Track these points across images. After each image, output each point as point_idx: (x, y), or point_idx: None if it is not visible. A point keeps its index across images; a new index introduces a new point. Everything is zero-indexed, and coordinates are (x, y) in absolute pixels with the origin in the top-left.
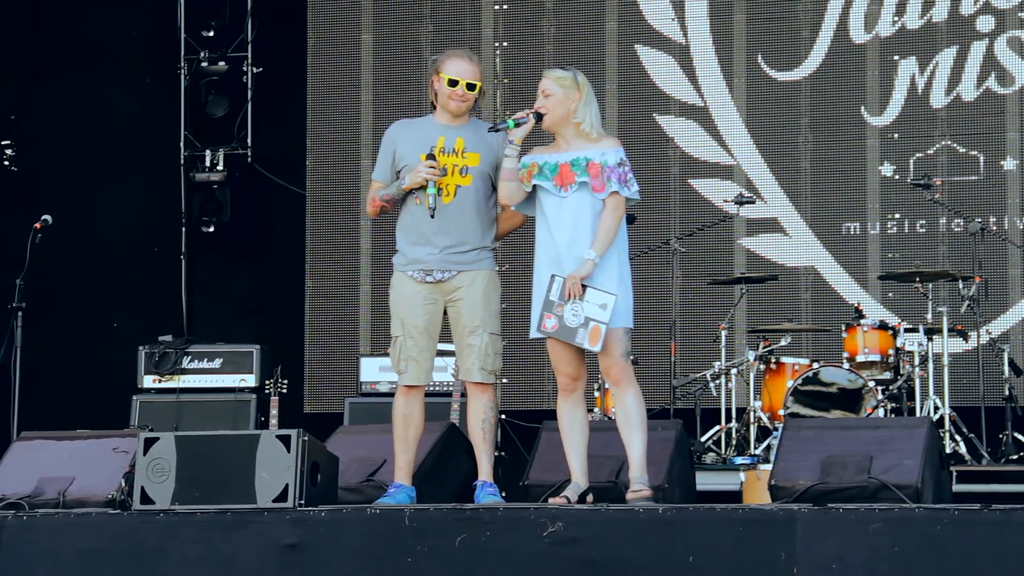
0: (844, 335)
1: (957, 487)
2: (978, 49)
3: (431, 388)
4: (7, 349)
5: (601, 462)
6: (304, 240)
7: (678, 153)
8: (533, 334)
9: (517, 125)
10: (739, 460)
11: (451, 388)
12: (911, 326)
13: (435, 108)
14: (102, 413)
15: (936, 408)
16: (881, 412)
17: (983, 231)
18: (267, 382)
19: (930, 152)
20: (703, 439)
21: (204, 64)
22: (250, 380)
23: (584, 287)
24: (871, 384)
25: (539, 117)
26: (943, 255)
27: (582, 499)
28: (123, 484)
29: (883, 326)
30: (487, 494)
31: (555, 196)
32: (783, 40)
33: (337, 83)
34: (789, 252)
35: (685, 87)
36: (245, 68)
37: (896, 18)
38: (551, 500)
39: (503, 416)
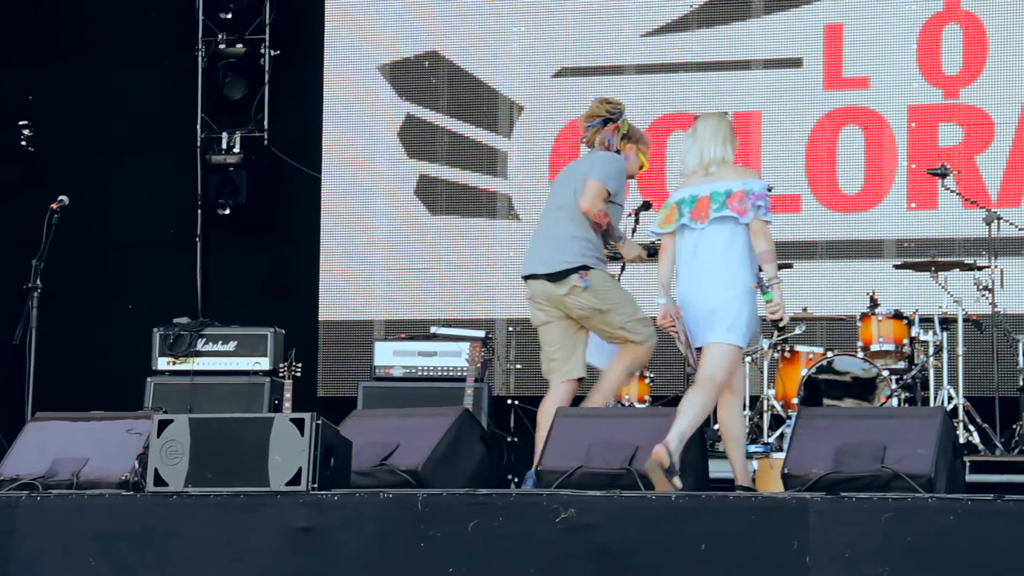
0: (859, 324)
1: (970, 477)
2: None
3: (446, 373)
4: (23, 330)
5: (615, 448)
6: (319, 223)
7: None
8: None
9: None
10: (752, 448)
11: (465, 373)
12: (926, 315)
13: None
14: (116, 395)
15: (950, 398)
16: (895, 401)
17: (999, 220)
18: (281, 365)
19: None
20: (716, 427)
21: (222, 46)
22: (264, 363)
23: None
24: (885, 373)
25: None
26: (959, 244)
27: None
28: (137, 466)
29: (898, 315)
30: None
31: None
32: None
33: (354, 66)
34: (804, 239)
35: None
36: (263, 50)
37: None
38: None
39: (516, 402)
